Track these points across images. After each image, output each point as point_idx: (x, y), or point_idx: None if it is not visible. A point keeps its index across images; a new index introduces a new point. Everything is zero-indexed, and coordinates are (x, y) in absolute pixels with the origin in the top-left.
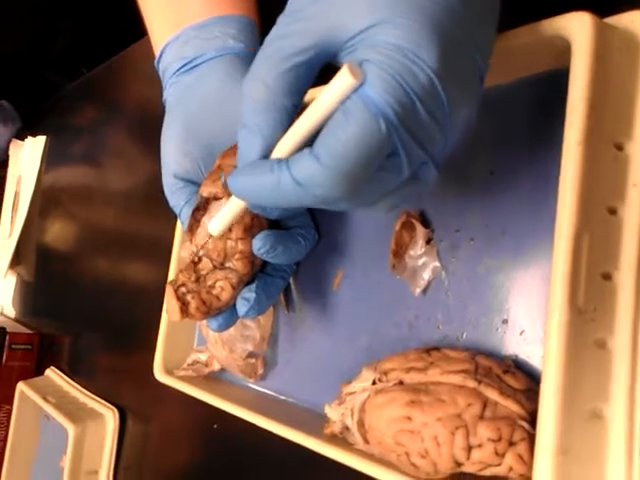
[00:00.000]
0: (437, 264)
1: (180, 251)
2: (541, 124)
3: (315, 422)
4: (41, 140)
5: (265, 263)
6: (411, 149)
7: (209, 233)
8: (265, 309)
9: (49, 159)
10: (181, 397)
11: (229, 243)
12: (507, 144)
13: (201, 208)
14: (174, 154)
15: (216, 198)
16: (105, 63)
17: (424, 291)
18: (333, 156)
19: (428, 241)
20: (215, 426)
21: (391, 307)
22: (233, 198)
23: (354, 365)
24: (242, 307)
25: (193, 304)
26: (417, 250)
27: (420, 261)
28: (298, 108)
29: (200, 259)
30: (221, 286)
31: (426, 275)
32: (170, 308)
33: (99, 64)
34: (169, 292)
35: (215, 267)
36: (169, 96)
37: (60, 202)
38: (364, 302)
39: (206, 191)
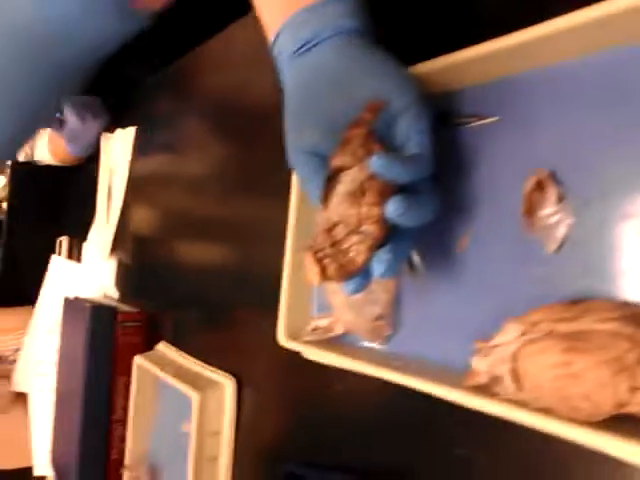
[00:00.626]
0: (571, 220)
1: (316, 217)
2: None
3: (448, 378)
4: (130, 131)
5: (394, 227)
6: None
7: (343, 200)
8: (399, 269)
9: (137, 150)
10: (294, 363)
11: (363, 208)
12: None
13: (333, 177)
14: (299, 129)
15: (347, 167)
16: (185, 56)
17: (558, 248)
18: None
19: (560, 199)
20: (337, 388)
21: (523, 266)
22: None
23: (485, 323)
24: (379, 268)
25: (331, 267)
26: (549, 208)
27: (553, 219)
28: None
29: (335, 225)
30: (357, 249)
31: (560, 232)
32: (310, 272)
33: (178, 57)
34: (308, 256)
35: (350, 232)
36: (288, 78)
37: (151, 189)
38: (493, 262)
39: (339, 160)
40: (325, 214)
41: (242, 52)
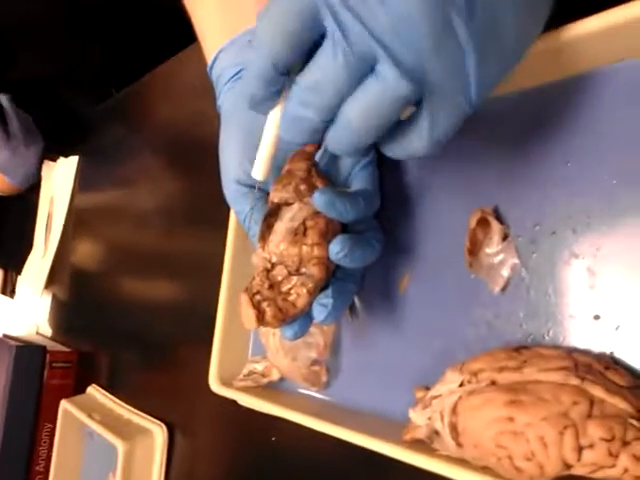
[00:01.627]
0: (516, 260)
1: (252, 258)
2: (621, 111)
3: (387, 429)
4: (73, 160)
5: (336, 268)
6: (341, 20)
7: (283, 239)
8: (341, 314)
9: (81, 180)
10: (230, 411)
11: (304, 249)
12: (583, 132)
13: (272, 214)
14: (235, 160)
15: (287, 203)
16: (134, 83)
17: (503, 289)
18: None
19: (504, 238)
20: (274, 439)
21: (466, 307)
22: (265, 129)
23: (428, 369)
24: (320, 313)
25: (269, 312)
26: (493, 247)
27: (497, 258)
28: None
29: (274, 266)
30: (297, 292)
31: (505, 272)
32: (246, 316)
33: (128, 84)
34: (244, 300)
35: (290, 273)
36: (225, 103)
37: (93, 222)
38: (435, 304)
39: (277, 197)
40: (263, 253)
41: (192, 81)
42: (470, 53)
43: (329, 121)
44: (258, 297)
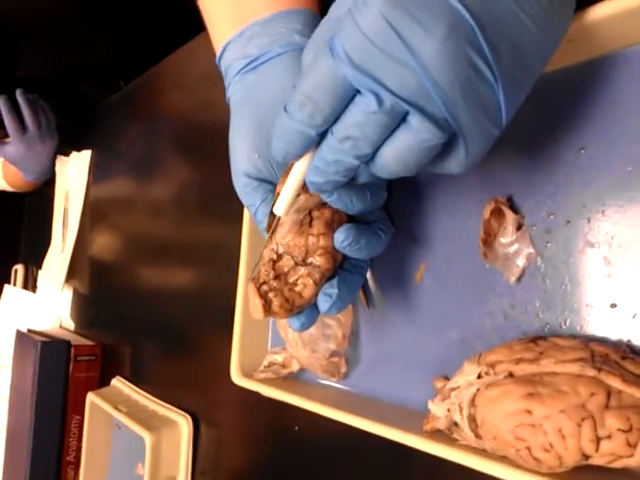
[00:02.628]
0: (531, 250)
1: (262, 250)
2: (635, 96)
3: (407, 419)
4: (86, 154)
5: (343, 259)
6: (372, 90)
7: (290, 230)
8: (346, 305)
9: (94, 173)
10: (252, 400)
11: (310, 239)
12: (597, 119)
13: None
14: (245, 154)
15: None
16: (142, 75)
17: (519, 279)
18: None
19: (519, 227)
20: (296, 428)
21: (482, 297)
22: (291, 174)
23: (445, 358)
24: (324, 303)
25: (276, 302)
26: (508, 237)
27: (512, 248)
28: None
29: (281, 256)
30: (303, 283)
31: (520, 262)
32: (253, 306)
33: (136, 77)
34: (251, 290)
35: (297, 264)
36: (234, 95)
37: (108, 215)
38: (452, 294)
39: None
40: (270, 244)
41: (201, 71)
42: (500, 89)
43: (366, 162)
44: (265, 287)
